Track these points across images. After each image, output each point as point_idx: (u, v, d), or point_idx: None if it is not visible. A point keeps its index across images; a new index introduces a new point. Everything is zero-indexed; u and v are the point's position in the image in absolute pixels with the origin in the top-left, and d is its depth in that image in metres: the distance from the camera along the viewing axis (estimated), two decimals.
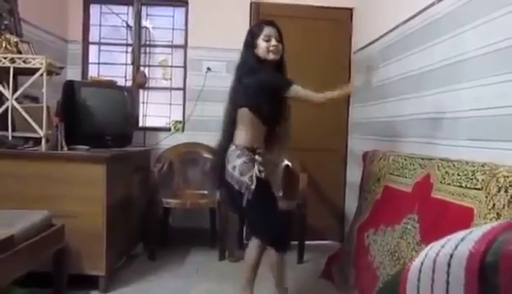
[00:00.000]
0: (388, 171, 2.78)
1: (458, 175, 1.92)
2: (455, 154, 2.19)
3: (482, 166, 1.79)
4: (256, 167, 2.31)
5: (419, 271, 1.05)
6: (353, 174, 4.00)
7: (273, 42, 2.33)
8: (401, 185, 2.52)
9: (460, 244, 0.99)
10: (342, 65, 4.24)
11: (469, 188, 1.80)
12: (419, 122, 2.71)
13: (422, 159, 2.36)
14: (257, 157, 2.35)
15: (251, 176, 2.30)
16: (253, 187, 2.28)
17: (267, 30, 2.34)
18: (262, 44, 2.34)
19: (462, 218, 1.78)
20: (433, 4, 2.57)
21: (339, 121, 4.27)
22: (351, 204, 4.02)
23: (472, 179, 1.81)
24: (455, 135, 2.28)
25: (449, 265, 0.98)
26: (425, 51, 2.66)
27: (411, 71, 2.84)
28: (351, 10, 4.22)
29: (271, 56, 2.34)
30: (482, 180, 1.73)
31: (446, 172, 2.03)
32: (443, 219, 1.93)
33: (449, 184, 1.97)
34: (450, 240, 1.04)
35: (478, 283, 0.91)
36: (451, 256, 0.98)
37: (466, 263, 0.94)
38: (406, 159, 2.57)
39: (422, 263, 1.05)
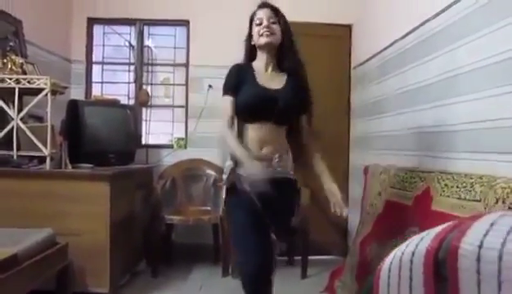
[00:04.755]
0: (389, 184, 2.80)
1: (457, 187, 1.94)
2: (454, 167, 2.21)
3: (481, 178, 1.82)
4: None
5: (389, 269, 1.20)
6: (355, 188, 4.02)
7: (265, 22, 2.01)
8: (402, 199, 2.54)
9: (419, 243, 1.14)
10: (342, 81, 4.29)
11: (468, 200, 1.82)
12: (418, 136, 2.74)
13: (422, 172, 2.39)
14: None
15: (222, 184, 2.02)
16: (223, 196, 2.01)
17: (259, 13, 2.06)
18: (254, 30, 2.05)
19: None
20: (428, 20, 2.62)
21: (341, 136, 4.30)
22: (353, 218, 4.02)
23: (470, 191, 1.83)
24: (453, 148, 2.30)
25: (411, 261, 1.12)
26: (422, 65, 2.70)
27: (409, 85, 2.88)
28: (350, 26, 4.28)
29: (262, 41, 2.02)
30: (481, 192, 1.75)
31: (446, 185, 2.05)
32: None
33: (448, 196, 1.99)
34: (413, 240, 1.19)
35: (434, 277, 1.06)
36: (413, 253, 1.12)
37: (424, 259, 1.08)
38: (406, 173, 2.59)
39: (391, 262, 1.20)
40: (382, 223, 2.77)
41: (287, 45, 2.08)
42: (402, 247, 1.20)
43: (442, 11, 2.45)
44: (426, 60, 2.64)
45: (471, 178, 1.87)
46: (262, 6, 2.08)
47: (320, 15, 4.22)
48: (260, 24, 2.02)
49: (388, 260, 1.22)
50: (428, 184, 2.22)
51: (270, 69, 2.09)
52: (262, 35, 2.01)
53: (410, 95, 2.86)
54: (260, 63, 2.09)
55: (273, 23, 2.03)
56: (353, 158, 4.23)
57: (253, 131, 2.00)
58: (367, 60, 3.77)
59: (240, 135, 2.03)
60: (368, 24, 3.83)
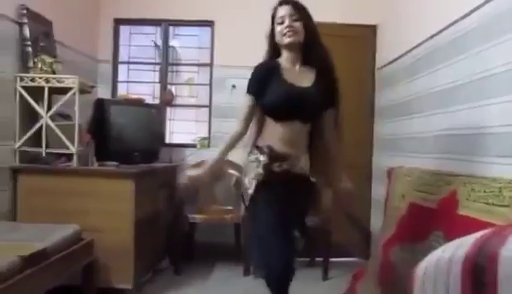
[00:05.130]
0: (413, 187, 2.76)
1: (484, 191, 1.90)
2: (482, 171, 2.17)
3: (510, 183, 1.77)
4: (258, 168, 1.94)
5: (424, 275, 1.22)
6: (378, 190, 3.97)
7: (287, 22, 1.95)
8: (426, 202, 2.50)
9: (457, 249, 1.15)
10: (366, 81, 4.25)
11: (496, 205, 1.78)
12: (445, 138, 2.69)
13: (448, 176, 2.34)
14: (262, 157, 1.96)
15: (251, 179, 1.97)
16: (250, 191, 1.95)
17: (280, 11, 1.99)
18: (277, 29, 2.00)
19: None
20: (458, 20, 2.57)
21: (364, 137, 4.26)
22: (376, 220, 3.99)
23: (499, 196, 1.79)
24: (482, 152, 2.25)
25: (448, 267, 1.13)
26: (452, 66, 2.65)
27: (438, 86, 2.83)
28: (375, 27, 4.24)
29: (285, 40, 1.97)
30: (510, 197, 1.71)
31: (473, 189, 2.01)
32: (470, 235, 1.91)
33: (475, 201, 1.95)
34: (449, 246, 1.21)
35: (472, 284, 1.07)
36: (451, 259, 1.13)
37: (462, 266, 1.09)
38: (431, 175, 2.54)
39: (426, 267, 1.22)
40: (405, 226, 2.73)
41: (311, 40, 2.02)
42: (438, 252, 1.22)
43: (474, 9, 2.39)
44: (457, 60, 2.58)
45: (500, 183, 1.82)
46: (283, 2, 2.01)
47: (344, 15, 4.20)
48: (282, 22, 1.97)
49: (422, 265, 1.24)
50: (455, 188, 2.18)
51: (297, 65, 2.04)
52: (284, 35, 1.97)
53: (439, 96, 2.81)
54: (286, 60, 2.04)
55: (295, 20, 1.97)
56: (377, 159, 4.18)
57: (280, 130, 1.97)
58: (393, 61, 3.72)
59: (267, 133, 2.02)
60: (395, 24, 3.78)
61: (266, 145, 1.98)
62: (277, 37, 2.01)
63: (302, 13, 1.99)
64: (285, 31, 1.96)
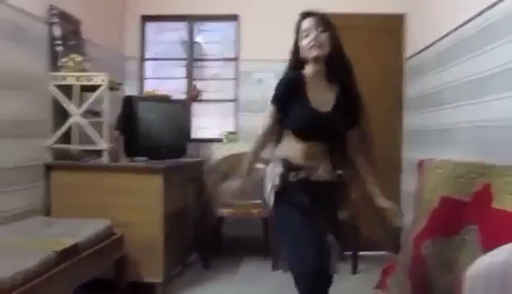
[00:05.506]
0: (444, 179, 2.69)
1: None
2: None
3: None
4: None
5: (476, 278, 1.19)
6: (408, 183, 3.90)
7: (312, 34, 1.89)
8: (458, 195, 2.43)
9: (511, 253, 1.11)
10: (395, 72, 4.17)
11: None
12: (478, 129, 2.61)
13: (481, 168, 2.27)
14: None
15: (269, 190, 1.98)
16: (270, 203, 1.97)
17: (305, 24, 1.93)
18: (302, 43, 1.93)
19: None
20: (490, 7, 2.48)
21: (393, 128, 4.18)
22: (406, 214, 3.91)
23: None
24: None
25: (502, 271, 1.10)
26: (485, 54, 2.56)
27: (469, 76, 2.74)
28: (403, 16, 4.14)
29: (313, 53, 1.90)
30: None
31: (508, 182, 1.94)
32: (507, 230, 1.85)
33: (511, 193, 1.89)
34: (502, 250, 1.18)
35: None
36: (504, 263, 1.11)
37: None
38: (463, 168, 2.47)
39: (478, 269, 1.19)
40: (437, 219, 2.66)
41: (336, 53, 1.95)
42: (490, 255, 1.19)
43: None
44: (490, 49, 2.50)
45: None
46: (307, 15, 1.96)
47: (371, 5, 4.12)
48: (307, 36, 1.91)
49: (473, 267, 1.20)
50: (489, 181, 2.11)
51: (321, 83, 1.98)
52: (311, 47, 1.89)
53: (471, 86, 2.72)
54: (311, 75, 1.97)
55: (321, 32, 1.90)
56: (406, 151, 4.10)
57: (298, 146, 1.95)
58: (423, 50, 3.63)
59: (289, 147, 1.98)
60: (423, 13, 3.68)
61: (282, 157, 1.97)
62: (303, 52, 1.94)
63: (327, 25, 1.93)
64: (312, 43, 1.89)
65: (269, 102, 2.01)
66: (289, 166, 1.93)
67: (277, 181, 1.94)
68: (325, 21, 1.93)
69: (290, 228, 1.89)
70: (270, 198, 1.98)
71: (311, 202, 1.88)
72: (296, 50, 1.98)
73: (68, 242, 2.20)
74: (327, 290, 1.85)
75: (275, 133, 2.05)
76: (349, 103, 1.99)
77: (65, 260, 2.09)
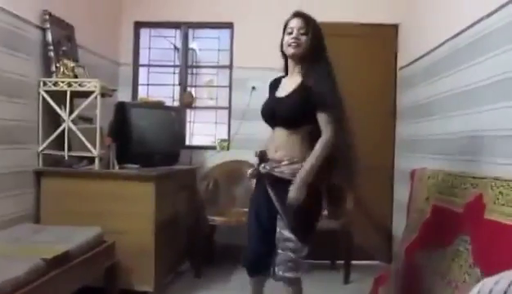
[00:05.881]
0: (437, 189, 2.70)
1: None
2: (510, 173, 2.10)
3: None
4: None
5: None
6: (400, 192, 3.91)
7: (294, 34, 2.08)
8: (451, 205, 2.44)
9: None
10: (387, 82, 4.19)
11: None
12: (471, 140, 2.62)
13: (473, 178, 2.28)
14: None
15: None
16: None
17: (291, 22, 2.12)
18: (285, 39, 2.13)
19: None
20: (482, 19, 2.50)
21: (386, 138, 4.20)
22: (398, 223, 3.92)
23: None
24: (509, 154, 2.19)
25: None
26: (475, 66, 2.58)
27: (462, 87, 2.76)
28: (396, 26, 4.17)
29: (289, 51, 2.11)
30: None
31: (500, 192, 1.95)
32: (498, 241, 1.85)
33: (503, 204, 1.89)
34: (503, 277, 1.10)
35: None
36: (505, 292, 1.05)
37: None
38: (456, 178, 2.48)
39: None
40: (429, 229, 2.67)
41: (315, 55, 2.11)
42: (489, 283, 1.14)
43: (497, 9, 2.33)
44: (480, 61, 2.52)
45: None
46: (296, 15, 2.14)
47: (365, 15, 4.15)
48: (290, 33, 2.10)
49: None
50: (481, 191, 2.12)
51: (293, 75, 2.18)
52: (290, 45, 2.10)
53: (463, 97, 2.74)
54: (289, 70, 2.22)
55: (302, 34, 2.08)
56: (399, 161, 4.12)
57: (273, 136, 2.18)
58: (416, 61, 3.66)
59: (268, 139, 2.24)
60: (417, 23, 3.71)
61: (261, 150, 2.23)
62: (284, 47, 2.16)
63: (310, 27, 2.10)
64: (290, 42, 2.09)
65: None
66: (262, 157, 2.19)
67: (250, 172, 2.24)
68: (309, 24, 2.10)
69: (248, 213, 2.27)
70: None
71: (267, 196, 2.12)
72: (282, 44, 2.18)
73: (58, 249, 2.17)
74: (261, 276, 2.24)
75: None
76: (307, 90, 2.06)
77: (55, 268, 2.07)
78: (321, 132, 2.06)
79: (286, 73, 2.26)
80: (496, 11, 2.35)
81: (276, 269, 2.10)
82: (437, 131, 3.16)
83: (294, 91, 2.11)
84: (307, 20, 2.11)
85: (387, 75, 4.20)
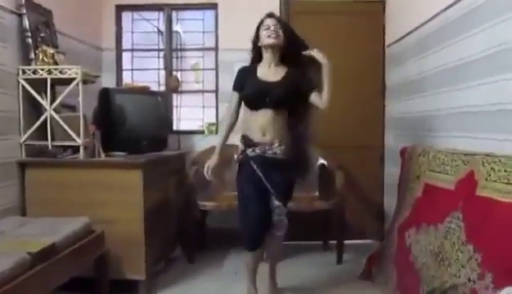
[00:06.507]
0: (428, 167, 2.68)
1: (505, 171, 1.82)
2: (501, 149, 2.07)
3: None
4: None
5: None
6: (391, 170, 3.90)
7: (272, 28, 2.47)
8: (442, 183, 2.42)
9: None
10: (375, 59, 4.14)
11: None
12: (460, 116, 2.60)
13: (464, 155, 2.26)
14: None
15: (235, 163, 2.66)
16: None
17: (266, 21, 2.52)
18: (262, 33, 2.51)
19: (511, 216, 1.69)
20: None
21: (375, 116, 4.17)
22: (390, 201, 3.92)
23: None
24: (500, 129, 2.16)
25: None
26: (465, 40, 2.54)
27: (451, 62, 2.72)
28: (383, 2, 4.10)
29: (269, 41, 2.47)
30: None
31: (492, 169, 1.93)
32: (491, 218, 1.84)
33: (495, 181, 1.88)
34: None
35: None
36: None
37: None
38: (447, 155, 2.46)
39: None
40: (421, 207, 2.66)
41: (290, 46, 2.53)
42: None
43: None
44: (470, 34, 2.47)
45: None
46: (269, 16, 2.55)
47: None
48: (268, 28, 2.48)
49: None
50: (472, 168, 2.10)
51: (273, 65, 2.54)
52: (269, 36, 2.46)
53: (453, 72, 2.70)
54: (264, 61, 2.56)
55: (278, 28, 2.49)
56: (389, 139, 4.09)
57: (256, 118, 2.49)
58: (403, 37, 3.60)
59: (248, 121, 2.55)
60: None
61: (243, 135, 2.56)
62: (262, 39, 2.51)
63: (283, 25, 2.56)
64: (269, 33, 2.46)
65: (232, 91, 2.63)
66: (247, 142, 2.52)
67: (240, 156, 2.56)
68: (281, 22, 2.56)
69: (242, 197, 2.58)
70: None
71: (263, 174, 2.48)
72: (257, 39, 2.55)
73: (44, 242, 2.11)
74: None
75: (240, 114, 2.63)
76: (295, 79, 2.51)
77: (41, 262, 2.01)
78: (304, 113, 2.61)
79: (255, 63, 2.61)
80: None
81: (272, 231, 2.58)
82: (426, 108, 3.12)
83: (286, 78, 2.50)
84: (280, 20, 2.57)
85: (375, 52, 4.14)
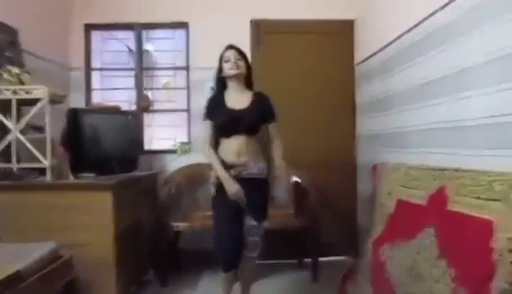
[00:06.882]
0: (399, 183, 2.72)
1: (474, 186, 1.86)
2: (470, 164, 2.12)
3: (500, 175, 1.73)
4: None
5: None
6: (364, 187, 3.94)
7: (232, 60, 2.63)
8: (414, 198, 2.45)
9: None
10: (346, 77, 4.21)
11: (487, 199, 1.74)
12: (430, 132, 2.65)
13: (434, 170, 2.30)
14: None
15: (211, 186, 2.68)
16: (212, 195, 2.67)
17: (227, 53, 2.67)
18: (224, 65, 2.68)
19: (482, 231, 1.71)
20: (434, 13, 2.53)
21: (346, 133, 4.22)
22: (363, 218, 3.95)
23: (489, 189, 1.74)
24: (467, 144, 2.21)
25: None
26: (431, 59, 2.62)
27: (418, 80, 2.80)
28: (352, 22, 4.20)
29: (231, 72, 2.63)
30: (501, 191, 1.67)
31: (462, 183, 1.97)
32: (463, 232, 1.86)
33: (465, 195, 1.91)
34: None
35: None
36: None
37: None
38: (417, 171, 2.50)
39: None
40: (394, 223, 2.69)
41: (249, 74, 2.73)
42: None
43: (449, 2, 2.37)
44: (436, 53, 2.55)
45: (489, 176, 1.78)
46: (229, 48, 2.70)
47: (320, 11, 4.16)
48: (228, 61, 2.64)
49: None
50: (443, 183, 2.14)
51: (238, 92, 2.68)
52: (231, 68, 2.63)
53: (420, 90, 2.77)
54: (230, 90, 2.70)
55: (239, 59, 2.65)
56: (360, 156, 4.14)
57: (230, 144, 2.59)
58: (372, 56, 3.69)
59: (218, 146, 2.65)
60: (372, 18, 3.74)
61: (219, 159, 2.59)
62: (225, 71, 2.66)
63: (243, 56, 2.68)
64: (230, 66, 2.63)
65: (203, 120, 2.69)
66: (224, 166, 2.55)
67: (216, 180, 2.59)
68: (241, 53, 2.68)
69: (218, 218, 2.60)
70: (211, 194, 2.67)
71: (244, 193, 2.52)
72: (220, 70, 2.70)
73: (8, 269, 2.01)
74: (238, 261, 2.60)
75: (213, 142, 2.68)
76: (261, 106, 2.65)
77: (6, 290, 1.91)
78: (270, 137, 2.72)
79: (219, 91, 2.74)
80: (447, 4, 2.39)
81: (245, 252, 2.61)
82: (396, 125, 3.18)
83: (253, 105, 2.63)
84: (239, 50, 2.68)
85: (345, 71, 4.21)
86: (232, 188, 2.51)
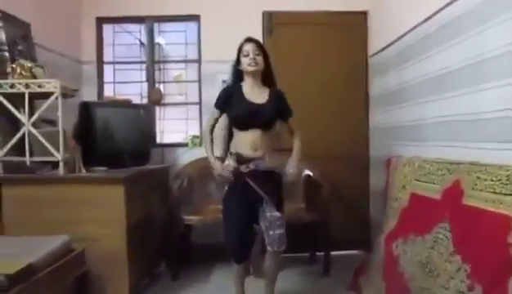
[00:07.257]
0: (414, 177, 2.67)
1: (491, 180, 1.81)
2: (486, 158, 2.07)
3: None
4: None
5: None
6: (377, 181, 3.89)
7: (251, 55, 2.57)
8: (429, 192, 2.41)
9: None
10: (359, 70, 4.16)
11: (505, 194, 1.69)
12: (444, 125, 2.60)
13: (450, 164, 2.25)
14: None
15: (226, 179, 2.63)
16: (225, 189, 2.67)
17: (245, 47, 2.61)
18: (242, 60, 2.62)
19: (499, 226, 1.67)
20: (451, 2, 2.47)
21: (359, 127, 4.17)
22: (376, 211, 3.91)
23: (507, 184, 1.70)
24: (484, 138, 2.16)
25: None
26: (447, 50, 2.55)
27: (433, 72, 2.73)
28: (365, 13, 4.13)
29: (249, 69, 2.58)
30: None
31: (478, 177, 1.92)
32: (478, 227, 1.82)
33: (481, 190, 1.86)
34: None
35: None
36: None
37: None
38: (432, 165, 2.46)
39: None
40: (408, 218, 2.65)
41: (268, 69, 2.67)
42: None
43: None
44: (451, 45, 2.49)
45: (507, 170, 1.73)
46: (248, 40, 2.63)
47: (333, 3, 4.10)
48: (247, 55, 2.57)
49: None
50: (458, 177, 2.09)
51: (256, 87, 2.64)
52: (249, 65, 2.57)
53: (436, 82, 2.71)
54: (247, 83, 2.65)
55: (257, 55, 2.58)
56: (374, 149, 4.09)
57: (246, 136, 2.55)
58: (386, 47, 3.62)
59: (237, 139, 2.60)
60: (385, 9, 3.67)
61: (235, 153, 2.56)
62: (243, 65, 2.61)
63: (262, 50, 2.63)
64: (249, 62, 2.57)
65: (213, 107, 2.67)
66: (240, 159, 2.54)
67: (231, 173, 2.53)
68: (261, 47, 2.63)
69: (229, 210, 2.58)
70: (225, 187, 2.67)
71: (261, 185, 2.50)
72: (238, 63, 2.65)
73: (21, 263, 2.02)
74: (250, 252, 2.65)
75: (227, 132, 2.69)
76: (278, 100, 2.65)
77: (18, 284, 1.92)
78: (290, 131, 2.74)
79: (238, 82, 2.69)
80: None
81: (269, 247, 2.54)
82: (411, 118, 3.13)
83: (270, 100, 2.61)
84: (259, 44, 2.62)
85: (358, 63, 4.16)
86: (218, 167, 2.55)
